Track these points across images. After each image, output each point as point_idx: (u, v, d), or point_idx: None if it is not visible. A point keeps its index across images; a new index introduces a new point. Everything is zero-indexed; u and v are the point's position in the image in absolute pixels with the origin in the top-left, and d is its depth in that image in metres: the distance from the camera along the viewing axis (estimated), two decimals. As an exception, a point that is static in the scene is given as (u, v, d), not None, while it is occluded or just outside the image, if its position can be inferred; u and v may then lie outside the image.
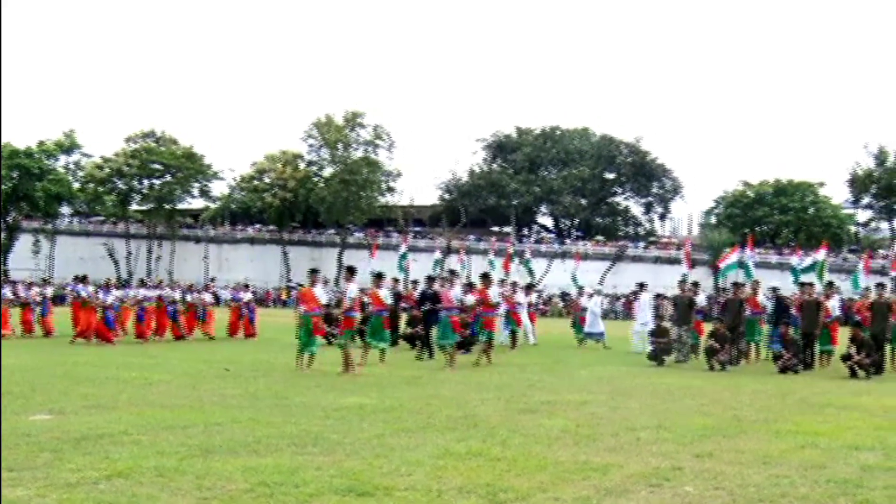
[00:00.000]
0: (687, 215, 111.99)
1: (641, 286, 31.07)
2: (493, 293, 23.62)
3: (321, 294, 21.18)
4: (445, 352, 21.25)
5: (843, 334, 23.39)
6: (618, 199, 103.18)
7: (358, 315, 19.92)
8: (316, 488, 8.04)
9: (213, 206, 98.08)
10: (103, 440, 10.10)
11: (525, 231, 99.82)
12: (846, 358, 20.90)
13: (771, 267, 70.29)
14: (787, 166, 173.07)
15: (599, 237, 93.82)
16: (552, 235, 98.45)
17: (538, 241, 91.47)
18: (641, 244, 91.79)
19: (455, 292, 22.37)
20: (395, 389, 16.20)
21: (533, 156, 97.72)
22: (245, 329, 32.29)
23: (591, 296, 32.14)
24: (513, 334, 29.41)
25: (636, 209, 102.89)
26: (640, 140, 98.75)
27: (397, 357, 23.32)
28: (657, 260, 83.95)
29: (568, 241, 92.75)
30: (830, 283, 26.24)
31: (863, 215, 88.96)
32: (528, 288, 34.32)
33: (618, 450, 10.37)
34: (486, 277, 24.07)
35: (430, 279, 26.63)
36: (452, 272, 26.76)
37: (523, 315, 29.87)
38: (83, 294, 28.61)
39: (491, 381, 18.02)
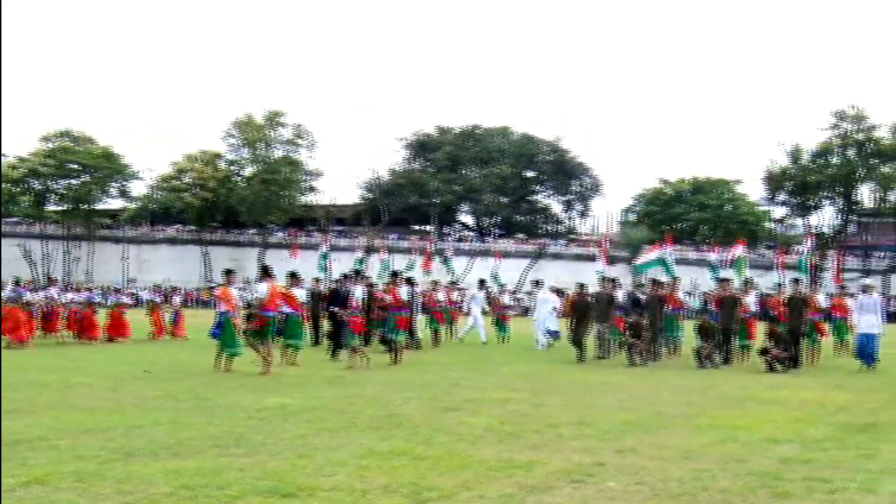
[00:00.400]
0: (606, 213, 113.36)
1: (537, 283, 31.40)
2: (404, 292, 24.00)
3: (236, 295, 21.06)
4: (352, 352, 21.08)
5: (760, 329, 23.71)
6: (538, 197, 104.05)
7: (272, 314, 19.80)
8: (239, 490, 7.96)
9: (132, 206, 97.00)
10: (20, 445, 9.89)
11: (446, 229, 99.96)
12: (764, 352, 21.24)
13: (689, 263, 71.22)
14: (704, 164, 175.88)
15: (520, 235, 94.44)
16: (473, 234, 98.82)
17: (459, 240, 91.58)
18: (562, 242, 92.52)
19: (358, 292, 22.33)
20: (318, 389, 16.11)
21: (454, 155, 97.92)
22: (174, 331, 31.89)
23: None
24: (435, 333, 29.46)
25: (556, 207, 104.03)
26: (560, 139, 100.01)
27: (320, 357, 23.18)
28: (577, 257, 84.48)
29: (489, 239, 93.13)
30: (748, 280, 26.63)
31: (778, 212, 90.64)
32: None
33: (541, 447, 10.42)
34: (395, 276, 24.23)
35: (345, 277, 26.30)
36: (395, 273, 26.64)
37: (542, 313, 29.40)
38: (28, 297, 28.26)
39: (414, 379, 18.00)
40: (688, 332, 25.62)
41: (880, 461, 9.73)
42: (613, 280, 26.30)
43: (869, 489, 8.36)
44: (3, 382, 15.28)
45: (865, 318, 21.58)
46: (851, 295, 27.76)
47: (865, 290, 22.55)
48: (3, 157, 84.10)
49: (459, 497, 7.95)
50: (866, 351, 21.25)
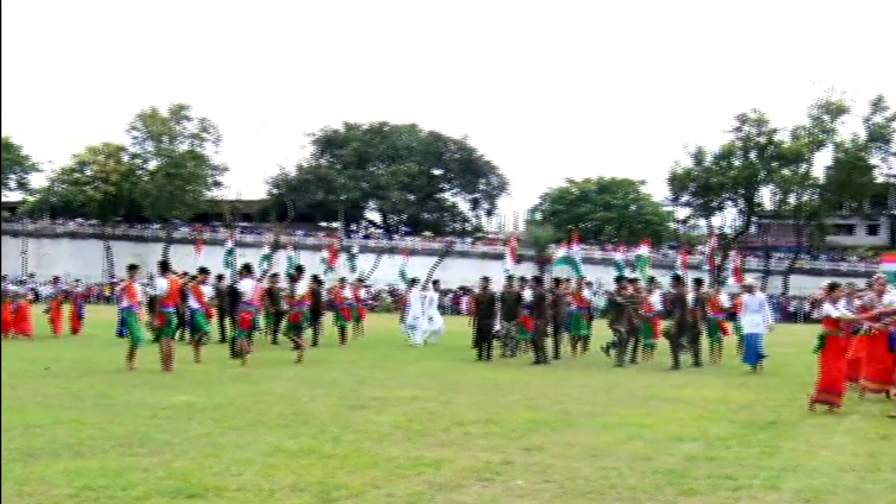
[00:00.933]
0: (513, 212, 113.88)
1: (413, 281, 31.53)
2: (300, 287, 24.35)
3: (140, 290, 20.78)
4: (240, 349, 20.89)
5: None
6: (445, 195, 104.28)
7: (171, 310, 19.56)
8: (144, 491, 7.84)
9: (31, 199, 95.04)
10: (-87, 446, 9.62)
11: (353, 226, 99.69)
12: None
13: (595, 263, 71.90)
14: (610, 165, 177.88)
15: (427, 233, 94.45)
16: (380, 231, 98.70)
17: (366, 237, 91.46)
18: (468, 240, 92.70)
19: (246, 287, 22.19)
20: (224, 387, 15.94)
21: (361, 151, 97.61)
22: (71, 325, 31.33)
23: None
24: (341, 330, 29.36)
25: (463, 205, 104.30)
26: (468, 137, 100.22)
27: (226, 354, 22.90)
28: (484, 256, 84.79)
29: (396, 236, 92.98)
30: (652, 279, 26.94)
31: (682, 213, 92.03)
32: (434, 284, 34.29)
33: (449, 445, 10.44)
34: (299, 270, 24.41)
35: (247, 269, 25.97)
36: (299, 268, 26.48)
37: (417, 310, 29.19)
38: None
39: (321, 377, 17.91)
40: (599, 329, 25.90)
41: (782, 458, 9.92)
42: (522, 278, 26.42)
43: (772, 486, 8.52)
44: None
45: (749, 318, 21.91)
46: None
47: (749, 289, 22.92)
48: None
49: (368, 495, 7.93)
50: (751, 350, 21.51)
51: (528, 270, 58.64)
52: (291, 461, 9.21)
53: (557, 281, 25.25)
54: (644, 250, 30.02)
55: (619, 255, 35.29)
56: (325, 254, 37.65)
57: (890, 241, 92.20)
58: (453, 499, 7.92)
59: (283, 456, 9.47)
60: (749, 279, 26.70)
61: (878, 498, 8.19)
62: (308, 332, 25.48)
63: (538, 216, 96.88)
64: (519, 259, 32.00)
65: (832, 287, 14.75)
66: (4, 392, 14.33)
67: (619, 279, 24.95)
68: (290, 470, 8.78)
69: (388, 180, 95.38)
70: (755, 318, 21.66)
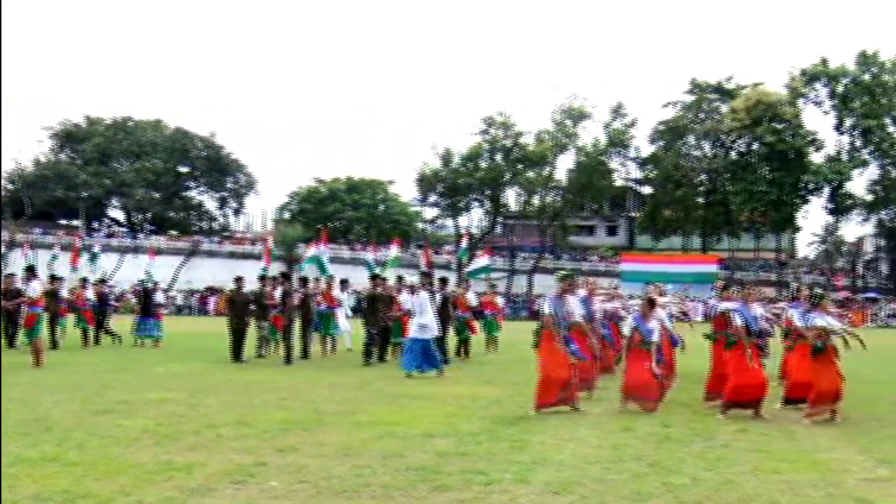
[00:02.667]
0: (262, 211, 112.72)
1: (343, 283, 31.04)
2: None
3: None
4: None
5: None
6: (192, 193, 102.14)
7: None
8: None
9: None
10: None
11: (95, 225, 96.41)
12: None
13: (344, 262, 72.14)
14: (358, 165, 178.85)
15: (173, 232, 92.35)
16: (124, 229, 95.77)
17: (109, 235, 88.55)
18: (216, 239, 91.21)
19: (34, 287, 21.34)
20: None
21: (104, 147, 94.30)
22: None
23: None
24: (84, 332, 28.40)
25: (210, 204, 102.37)
26: (215, 135, 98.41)
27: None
28: (232, 255, 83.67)
29: (141, 235, 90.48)
30: (401, 278, 27.21)
31: (430, 213, 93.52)
32: (343, 284, 33.18)
33: (200, 448, 10.26)
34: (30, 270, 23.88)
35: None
36: (31, 268, 25.44)
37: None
38: None
39: (64, 381, 17.25)
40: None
41: (531, 452, 10.21)
42: (274, 278, 26.22)
43: (522, 480, 8.76)
44: None
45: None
46: (501, 293, 28.93)
47: (411, 289, 23.02)
48: None
49: (117, 503, 7.70)
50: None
51: (277, 270, 58.25)
52: (34, 470, 8.84)
53: (304, 280, 25.19)
54: (394, 250, 30.36)
55: (369, 255, 35.58)
56: (58, 251, 36.41)
57: (628, 242, 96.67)
58: (206, 503, 7.80)
59: (24, 465, 9.06)
60: (412, 279, 25.92)
61: (622, 487, 8.54)
62: (46, 335, 24.48)
63: (287, 215, 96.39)
64: (272, 259, 31.79)
65: (725, 287, 14.99)
66: None
67: (373, 277, 25.06)
68: (33, 479, 8.42)
69: (132, 177, 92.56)
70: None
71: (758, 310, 14.23)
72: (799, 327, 14.40)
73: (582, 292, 17.05)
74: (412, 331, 20.36)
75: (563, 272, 15.15)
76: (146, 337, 29.59)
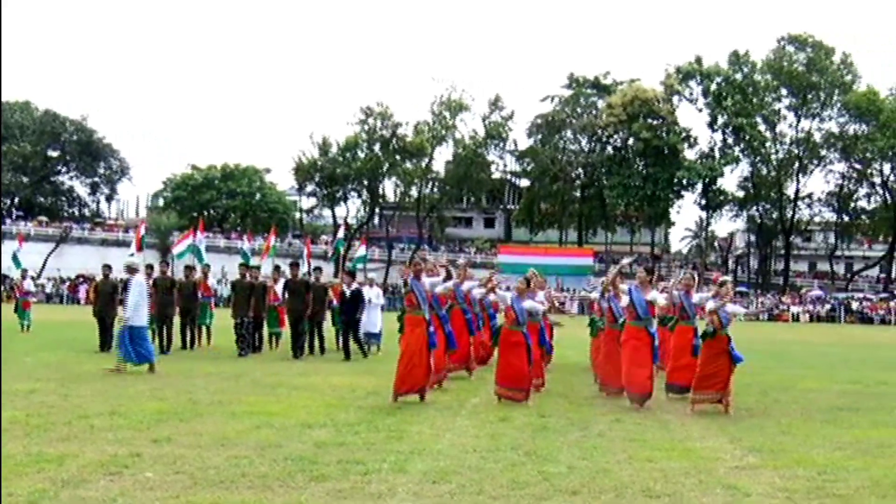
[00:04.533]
0: (135, 197, 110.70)
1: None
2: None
3: None
4: None
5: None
6: (62, 178, 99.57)
7: None
8: None
9: None
10: None
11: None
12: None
13: (220, 251, 71.37)
14: (234, 151, 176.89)
15: (42, 217, 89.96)
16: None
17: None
18: (87, 226, 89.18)
19: None
20: None
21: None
22: None
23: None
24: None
25: (82, 190, 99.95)
26: (87, 118, 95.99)
27: None
28: (104, 242, 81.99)
29: (8, 221, 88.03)
30: (277, 268, 27.03)
31: (307, 202, 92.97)
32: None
33: (72, 438, 10.06)
34: None
35: None
36: None
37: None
38: None
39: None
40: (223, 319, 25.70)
41: (408, 442, 10.25)
42: (150, 266, 25.77)
43: (400, 469, 8.80)
44: None
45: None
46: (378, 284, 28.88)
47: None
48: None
49: (-15, 495, 7.50)
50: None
51: (150, 258, 57.39)
52: None
53: (188, 269, 24.90)
54: (272, 240, 30.16)
55: (245, 244, 35.29)
56: None
57: (505, 234, 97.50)
58: (79, 495, 7.63)
59: None
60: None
61: (499, 475, 8.63)
62: None
63: (161, 202, 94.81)
64: (143, 246, 31.20)
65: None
66: None
67: (245, 266, 24.85)
68: None
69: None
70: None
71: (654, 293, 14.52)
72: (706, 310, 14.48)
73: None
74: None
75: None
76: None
